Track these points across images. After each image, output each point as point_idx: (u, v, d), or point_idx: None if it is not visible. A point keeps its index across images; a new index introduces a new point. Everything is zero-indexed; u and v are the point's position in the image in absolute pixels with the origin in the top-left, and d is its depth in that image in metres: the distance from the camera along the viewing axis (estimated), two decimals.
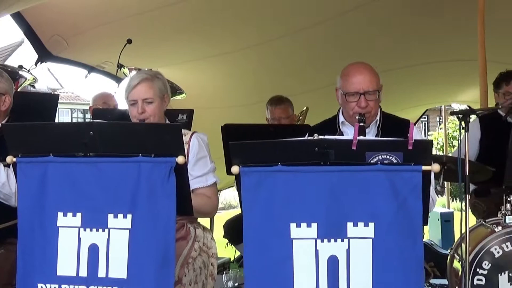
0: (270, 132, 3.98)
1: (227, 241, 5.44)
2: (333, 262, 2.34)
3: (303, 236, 2.33)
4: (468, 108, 3.56)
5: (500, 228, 3.67)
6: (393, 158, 2.40)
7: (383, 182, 2.37)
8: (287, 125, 4.60)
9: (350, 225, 2.36)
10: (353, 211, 2.37)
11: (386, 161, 2.39)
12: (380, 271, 2.33)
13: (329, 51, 6.12)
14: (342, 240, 2.35)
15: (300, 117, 4.98)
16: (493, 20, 5.11)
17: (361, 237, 2.36)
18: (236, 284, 5.65)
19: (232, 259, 6.94)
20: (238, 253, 6.60)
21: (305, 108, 5.03)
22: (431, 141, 2.50)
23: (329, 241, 2.34)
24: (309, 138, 2.41)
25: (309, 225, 2.34)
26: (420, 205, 2.37)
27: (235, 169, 2.36)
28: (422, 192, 2.37)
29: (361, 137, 2.51)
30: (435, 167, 2.39)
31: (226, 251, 6.40)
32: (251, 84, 6.55)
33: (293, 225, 2.33)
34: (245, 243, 2.35)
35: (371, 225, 2.35)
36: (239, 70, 6.31)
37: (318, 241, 2.34)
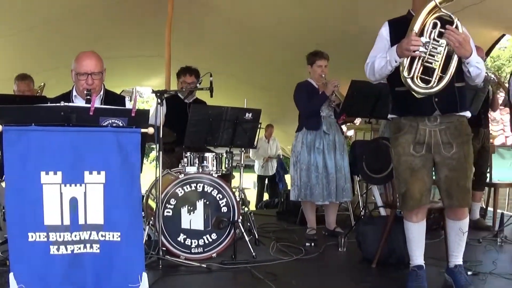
0: (16, 101, 3.72)
1: None
2: (73, 202, 2.29)
3: (50, 182, 2.23)
4: (152, 90, 3.75)
5: (182, 175, 3.89)
6: (120, 122, 2.42)
7: (112, 140, 2.37)
8: (29, 96, 4.56)
9: (86, 173, 2.33)
10: (89, 163, 2.34)
11: (115, 124, 2.42)
12: (109, 208, 2.35)
13: (63, 41, 5.85)
14: (81, 185, 2.31)
15: (39, 91, 4.86)
16: (177, 28, 5.36)
17: (95, 182, 2.34)
18: None
19: None
20: None
21: (42, 83, 4.96)
22: (148, 111, 2.53)
23: (70, 185, 2.28)
24: (57, 104, 2.25)
25: (55, 173, 2.25)
26: (139, 158, 2.44)
27: None
28: (141, 148, 2.42)
29: (97, 105, 2.44)
30: (151, 130, 2.45)
31: None
32: (7, 63, 5.98)
33: (43, 173, 2.22)
34: (6, 188, 2.12)
35: (103, 173, 2.35)
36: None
37: (62, 185, 2.27)
